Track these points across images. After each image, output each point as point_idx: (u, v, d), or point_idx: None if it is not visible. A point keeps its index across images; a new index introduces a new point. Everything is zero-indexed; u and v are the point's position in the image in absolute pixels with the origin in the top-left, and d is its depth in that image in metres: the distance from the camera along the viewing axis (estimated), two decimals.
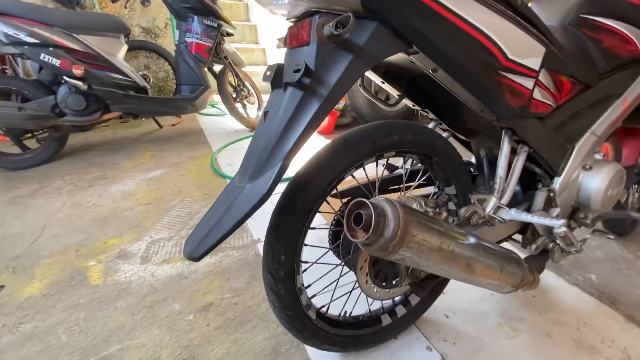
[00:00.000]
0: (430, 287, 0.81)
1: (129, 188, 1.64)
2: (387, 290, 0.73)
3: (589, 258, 1.26)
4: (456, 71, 0.54)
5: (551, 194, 0.80)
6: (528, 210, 0.82)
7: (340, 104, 2.70)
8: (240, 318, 0.92)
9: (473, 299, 1.00)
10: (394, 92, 0.79)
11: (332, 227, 0.73)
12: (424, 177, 0.82)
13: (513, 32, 0.53)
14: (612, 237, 0.88)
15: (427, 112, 0.83)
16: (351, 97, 2.45)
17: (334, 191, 0.70)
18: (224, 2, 3.97)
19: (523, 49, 0.55)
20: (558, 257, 0.85)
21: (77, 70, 1.75)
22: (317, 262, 0.72)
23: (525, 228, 0.83)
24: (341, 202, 0.73)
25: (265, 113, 0.56)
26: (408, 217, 0.47)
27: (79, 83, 1.77)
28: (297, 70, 0.48)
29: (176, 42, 2.06)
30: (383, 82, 0.76)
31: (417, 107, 0.82)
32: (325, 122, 2.45)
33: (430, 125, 0.88)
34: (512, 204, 0.83)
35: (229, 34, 2.21)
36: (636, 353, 0.87)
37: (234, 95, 2.36)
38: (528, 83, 0.58)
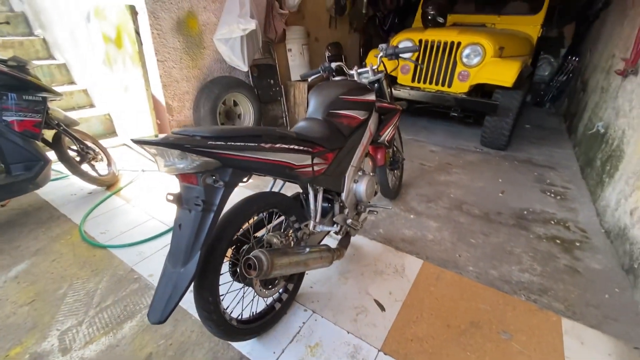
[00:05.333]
0: (298, 277, 1.39)
1: None
2: (273, 289, 1.25)
3: (379, 219, 2.14)
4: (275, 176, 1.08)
5: (341, 203, 1.49)
6: (333, 214, 1.49)
7: None
8: (179, 351, 1.27)
9: (323, 271, 1.66)
10: None
11: (230, 268, 1.18)
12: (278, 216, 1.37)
13: (295, 156, 1.10)
14: (376, 212, 1.68)
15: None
16: None
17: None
18: (14, 40, 3.37)
19: (300, 160, 1.13)
20: (354, 233, 1.58)
21: None
22: (228, 292, 1.17)
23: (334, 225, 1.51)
24: (230, 250, 1.19)
25: (180, 225, 0.95)
26: (272, 256, 0.99)
27: None
28: (198, 204, 0.91)
29: None
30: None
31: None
32: None
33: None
34: (324, 215, 1.48)
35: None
36: (399, 266, 1.71)
37: (78, 159, 2.29)
38: (309, 168, 1.18)
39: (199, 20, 2.79)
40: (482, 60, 3.05)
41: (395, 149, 2.16)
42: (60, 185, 2.48)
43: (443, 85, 3.35)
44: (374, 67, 1.75)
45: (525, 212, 2.28)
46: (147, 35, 2.47)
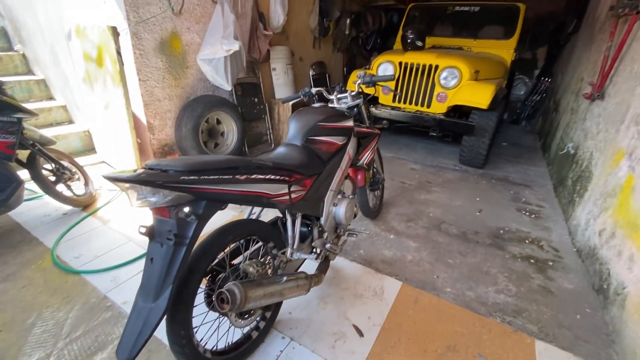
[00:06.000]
0: (276, 304, 1.38)
1: None
2: (249, 318, 1.24)
3: (360, 239, 2.16)
4: (251, 205, 1.09)
5: (320, 228, 1.50)
6: (312, 239, 1.50)
7: None
8: None
9: (302, 297, 1.65)
10: None
11: (205, 298, 1.17)
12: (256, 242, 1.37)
13: (271, 185, 1.12)
14: (355, 235, 1.70)
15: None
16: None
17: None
18: None
19: (276, 189, 1.14)
20: (333, 257, 1.59)
21: None
22: (202, 324, 1.15)
23: (310, 252, 1.51)
24: (206, 279, 1.17)
25: (152, 259, 0.94)
26: (246, 288, 0.99)
27: None
28: (170, 238, 0.91)
29: None
30: None
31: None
32: None
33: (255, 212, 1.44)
34: (303, 240, 1.49)
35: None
36: (379, 289, 1.72)
37: (53, 179, 2.23)
38: (285, 196, 1.20)
39: (182, 40, 2.81)
40: (459, 83, 3.17)
41: (375, 169, 2.20)
42: (34, 205, 2.40)
43: (422, 105, 3.45)
44: (353, 92, 1.80)
45: (502, 231, 2.34)
46: (129, 55, 2.47)
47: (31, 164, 2.13)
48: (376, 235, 2.21)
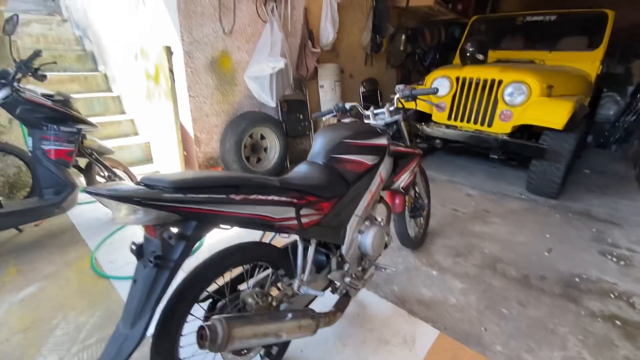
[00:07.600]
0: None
1: None
2: (247, 355, 1.10)
3: (396, 272, 1.90)
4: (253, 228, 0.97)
5: (339, 258, 1.32)
6: (330, 270, 1.32)
7: None
8: None
9: (320, 332, 1.46)
10: None
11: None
12: (263, 267, 1.24)
13: (274, 208, 0.99)
14: (382, 270, 1.48)
15: None
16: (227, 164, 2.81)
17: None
18: (79, 75, 3.84)
19: (281, 212, 1.01)
20: (354, 293, 1.39)
21: None
22: (193, 355, 1.04)
23: (328, 285, 1.33)
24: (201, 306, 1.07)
25: (135, 280, 0.87)
26: (230, 326, 0.85)
27: None
28: (151, 260, 0.83)
29: (30, 150, 2.04)
30: None
31: None
32: None
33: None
34: (319, 269, 1.32)
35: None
36: (409, 336, 1.46)
37: None
38: (293, 220, 1.06)
39: (232, 59, 2.92)
40: (527, 100, 2.77)
41: (417, 194, 1.95)
42: (89, 208, 2.60)
43: (482, 124, 3.08)
44: (391, 107, 1.62)
45: (577, 279, 1.89)
46: (181, 73, 2.62)
47: (88, 171, 2.33)
48: (415, 270, 1.94)
